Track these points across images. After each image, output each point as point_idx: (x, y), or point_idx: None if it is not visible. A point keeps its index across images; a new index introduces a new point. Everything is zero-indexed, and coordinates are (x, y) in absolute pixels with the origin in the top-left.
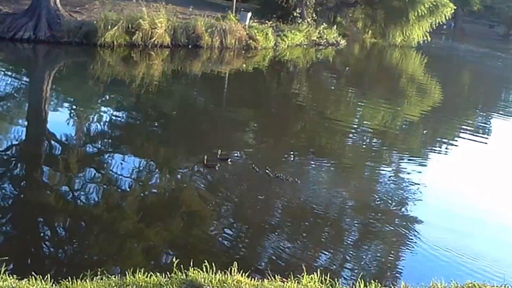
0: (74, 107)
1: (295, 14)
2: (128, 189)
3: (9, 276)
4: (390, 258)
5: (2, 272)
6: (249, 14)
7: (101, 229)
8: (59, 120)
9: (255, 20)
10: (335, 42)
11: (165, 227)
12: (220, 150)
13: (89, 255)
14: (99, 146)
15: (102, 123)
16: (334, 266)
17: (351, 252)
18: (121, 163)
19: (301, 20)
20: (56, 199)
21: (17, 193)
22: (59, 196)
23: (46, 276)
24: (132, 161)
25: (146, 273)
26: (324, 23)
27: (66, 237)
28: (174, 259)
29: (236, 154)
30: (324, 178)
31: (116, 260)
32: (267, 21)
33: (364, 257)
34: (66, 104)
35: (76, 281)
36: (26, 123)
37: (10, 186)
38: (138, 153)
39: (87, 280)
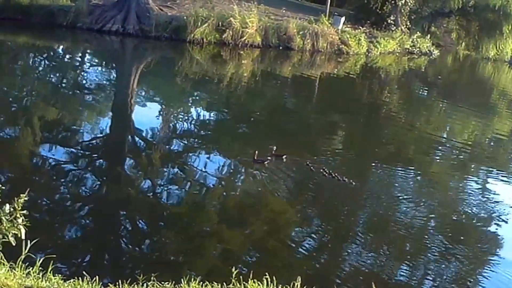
0: (160, 103)
1: (389, 21)
2: (210, 189)
3: (54, 275)
4: (467, 278)
5: (49, 271)
6: (343, 19)
7: (176, 230)
8: (145, 115)
9: (348, 25)
10: (428, 51)
11: (241, 232)
12: (275, 147)
13: (155, 257)
14: (183, 143)
15: (187, 121)
16: (408, 283)
17: (427, 269)
18: (205, 162)
19: (394, 27)
20: (135, 195)
21: (96, 186)
22: (137, 192)
23: (95, 278)
24: (216, 161)
25: (202, 282)
26: (417, 32)
27: (136, 237)
28: (233, 269)
29: (322, 159)
30: (409, 189)
31: (179, 265)
32: (360, 27)
33: (440, 275)
34: (152, 100)
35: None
36: (111, 116)
37: (91, 179)
38: (223, 153)
39: (137, 285)
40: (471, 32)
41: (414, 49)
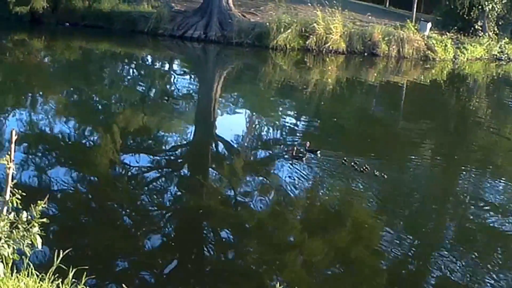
0: (244, 110)
1: (476, 26)
2: (293, 198)
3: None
4: None
5: (82, 283)
6: (429, 24)
7: (258, 239)
8: (228, 123)
9: (435, 31)
10: None
11: (324, 241)
12: (308, 142)
13: (236, 268)
14: (267, 151)
15: (272, 128)
16: None
17: None
18: (289, 171)
19: (482, 33)
20: (217, 204)
21: (179, 195)
22: (220, 201)
23: None
24: (300, 169)
25: None
26: (505, 38)
27: (218, 246)
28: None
29: (410, 166)
30: (497, 198)
31: (261, 276)
32: (446, 33)
33: None
34: (236, 107)
35: None
36: (195, 124)
37: (174, 187)
38: (307, 161)
39: None
40: None
41: (502, 56)
